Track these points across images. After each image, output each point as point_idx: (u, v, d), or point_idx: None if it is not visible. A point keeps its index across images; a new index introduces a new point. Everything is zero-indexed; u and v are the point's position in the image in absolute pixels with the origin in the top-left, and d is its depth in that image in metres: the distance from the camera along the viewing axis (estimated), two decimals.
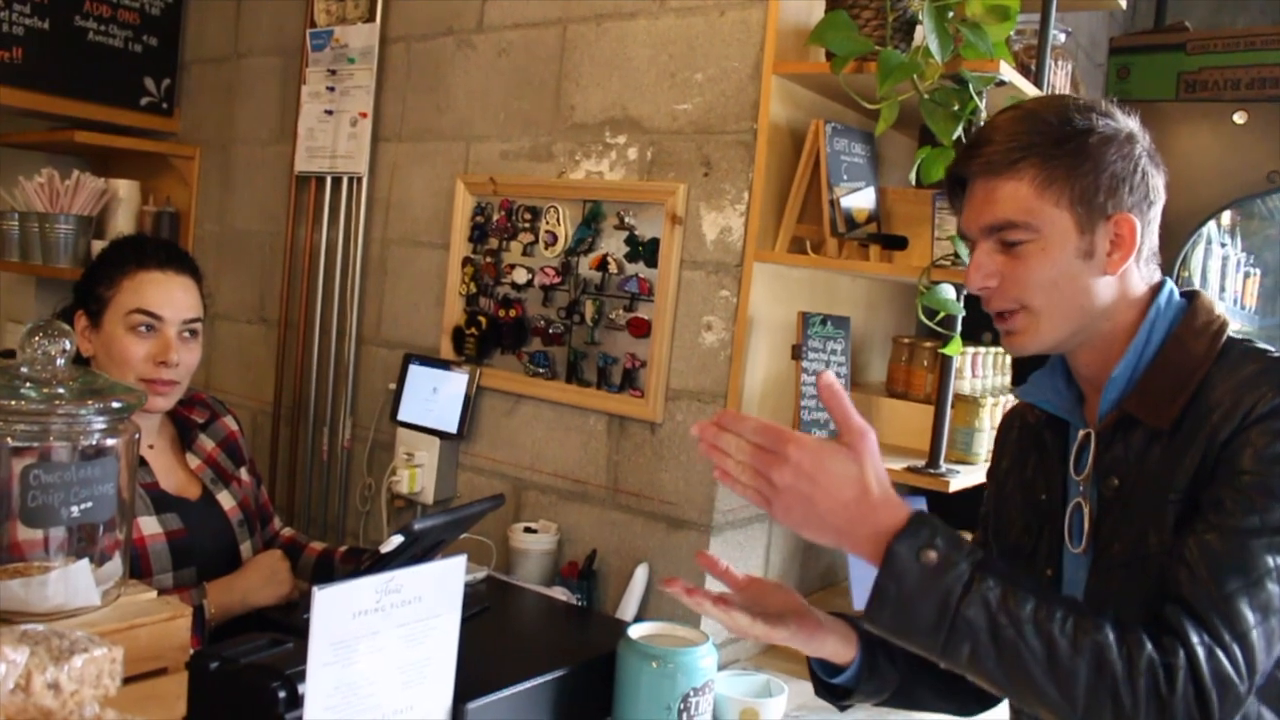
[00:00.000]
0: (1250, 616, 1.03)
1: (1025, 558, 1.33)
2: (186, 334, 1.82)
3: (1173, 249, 2.54)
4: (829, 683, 1.35)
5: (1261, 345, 1.18)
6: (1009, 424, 1.43)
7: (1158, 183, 1.22)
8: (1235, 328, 1.25)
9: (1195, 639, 1.02)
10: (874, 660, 1.32)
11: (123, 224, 3.12)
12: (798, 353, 1.99)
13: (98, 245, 2.96)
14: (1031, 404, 1.35)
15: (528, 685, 1.56)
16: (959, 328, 1.84)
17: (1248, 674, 1.02)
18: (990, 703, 1.47)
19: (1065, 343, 1.23)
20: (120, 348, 1.76)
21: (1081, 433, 1.27)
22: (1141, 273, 1.23)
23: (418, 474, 2.44)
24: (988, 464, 1.49)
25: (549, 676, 1.59)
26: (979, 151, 1.21)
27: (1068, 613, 1.04)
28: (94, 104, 3.06)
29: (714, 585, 1.49)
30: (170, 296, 1.80)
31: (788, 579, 2.32)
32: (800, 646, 1.32)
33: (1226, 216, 3.17)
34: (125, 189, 3.14)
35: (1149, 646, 1.02)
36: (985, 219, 1.21)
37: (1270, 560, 1.05)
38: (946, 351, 1.84)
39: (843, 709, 1.37)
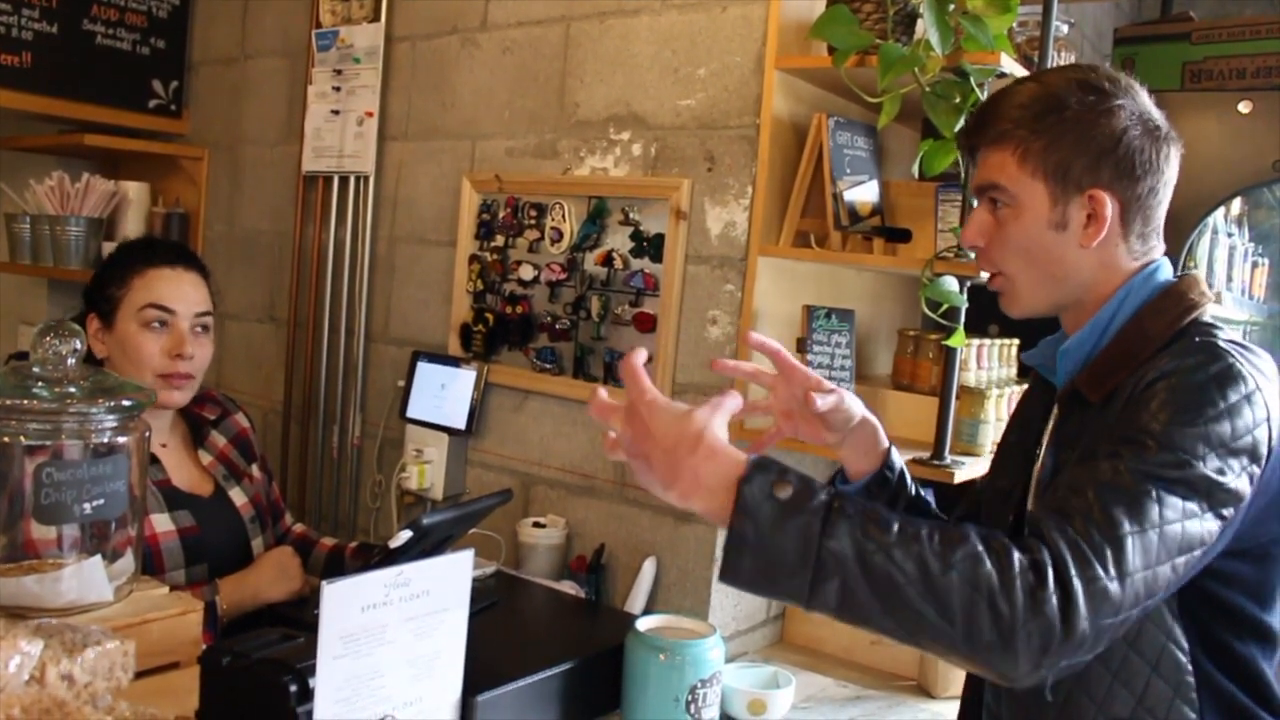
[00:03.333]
0: (1126, 523, 1.00)
1: (1001, 498, 1.35)
2: (199, 329, 1.84)
3: (1178, 239, 2.53)
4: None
5: (1223, 336, 1.16)
6: (1033, 377, 1.45)
7: (1157, 157, 1.21)
8: (1244, 318, 1.24)
9: (1060, 538, 0.99)
10: (875, 491, 1.37)
11: (133, 225, 3.14)
12: (803, 346, 2.00)
13: (108, 247, 2.99)
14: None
15: (536, 678, 1.57)
16: (962, 319, 1.85)
17: (1118, 575, 0.98)
18: None
19: (1045, 310, 1.27)
20: (135, 344, 1.78)
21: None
22: (1131, 249, 1.24)
23: (427, 470, 2.46)
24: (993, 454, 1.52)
25: (557, 669, 1.61)
26: (979, 122, 1.27)
27: (932, 530, 0.99)
28: (103, 107, 3.08)
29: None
30: (181, 291, 1.83)
31: None
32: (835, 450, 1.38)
33: (1234, 206, 3.16)
34: (135, 191, 3.16)
35: (1015, 551, 0.98)
36: (978, 179, 1.28)
37: (1153, 488, 1.03)
38: (950, 343, 1.84)
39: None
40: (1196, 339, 1.15)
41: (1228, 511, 1.06)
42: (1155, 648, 1.15)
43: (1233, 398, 1.08)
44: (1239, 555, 1.13)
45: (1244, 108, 2.60)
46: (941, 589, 0.96)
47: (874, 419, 1.38)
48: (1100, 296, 1.24)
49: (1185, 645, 1.15)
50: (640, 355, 1.08)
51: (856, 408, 1.36)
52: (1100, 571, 0.98)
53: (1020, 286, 1.26)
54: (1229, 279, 3.13)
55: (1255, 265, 3.54)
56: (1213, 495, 1.05)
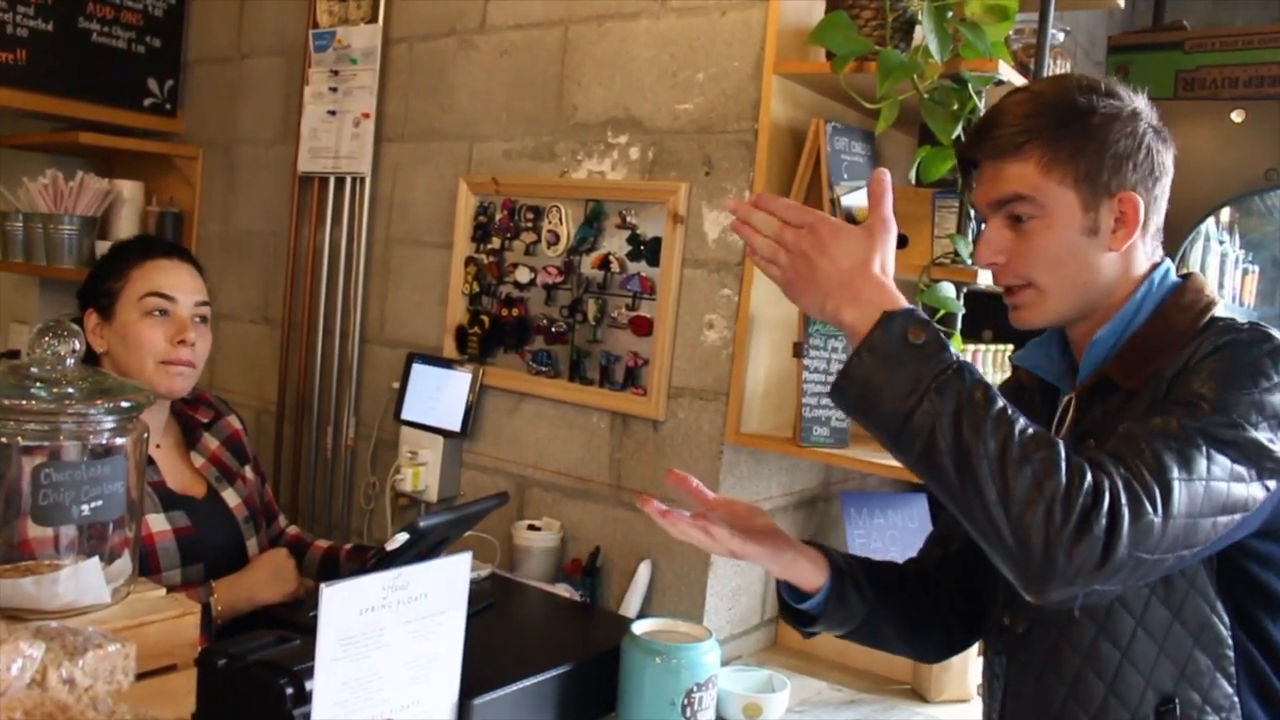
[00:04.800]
0: (1175, 469, 1.03)
1: None
2: (198, 318, 1.85)
3: (1171, 246, 2.55)
4: (795, 608, 1.38)
5: (1242, 320, 1.20)
6: (1008, 385, 1.47)
7: (1164, 159, 1.24)
8: None
9: (1118, 473, 1.03)
10: (843, 590, 1.35)
11: (126, 224, 3.14)
12: (800, 350, 2.00)
13: (101, 246, 2.98)
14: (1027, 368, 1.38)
15: (533, 681, 1.57)
16: (959, 325, 1.85)
17: (1164, 513, 1.02)
18: (951, 651, 1.51)
19: (1070, 317, 1.27)
20: (136, 333, 1.79)
21: (1065, 397, 1.30)
22: (1146, 249, 1.26)
23: (422, 472, 2.45)
24: None
25: (554, 672, 1.61)
26: (987, 134, 1.25)
27: (1028, 424, 1.05)
28: (97, 105, 3.07)
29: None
30: (180, 279, 1.85)
31: None
32: (771, 565, 1.36)
33: (1225, 214, 3.18)
34: (129, 190, 3.15)
35: (1089, 472, 1.02)
36: (993, 194, 1.25)
37: (1204, 444, 1.06)
38: None
39: (807, 635, 1.40)
40: (1245, 325, 1.17)
41: (1272, 483, 1.08)
42: (1198, 619, 1.17)
43: None
44: (1275, 537, 1.15)
45: (1236, 116, 2.62)
46: (1011, 475, 1.01)
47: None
48: (1122, 295, 1.25)
49: (1226, 619, 1.18)
50: (885, 174, 1.17)
51: (765, 519, 1.38)
52: (1148, 507, 1.02)
53: (1050, 296, 1.25)
54: (1220, 285, 3.15)
55: (1246, 272, 3.56)
56: (1261, 462, 1.07)
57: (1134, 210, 1.21)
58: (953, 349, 1.08)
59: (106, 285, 1.82)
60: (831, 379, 2.02)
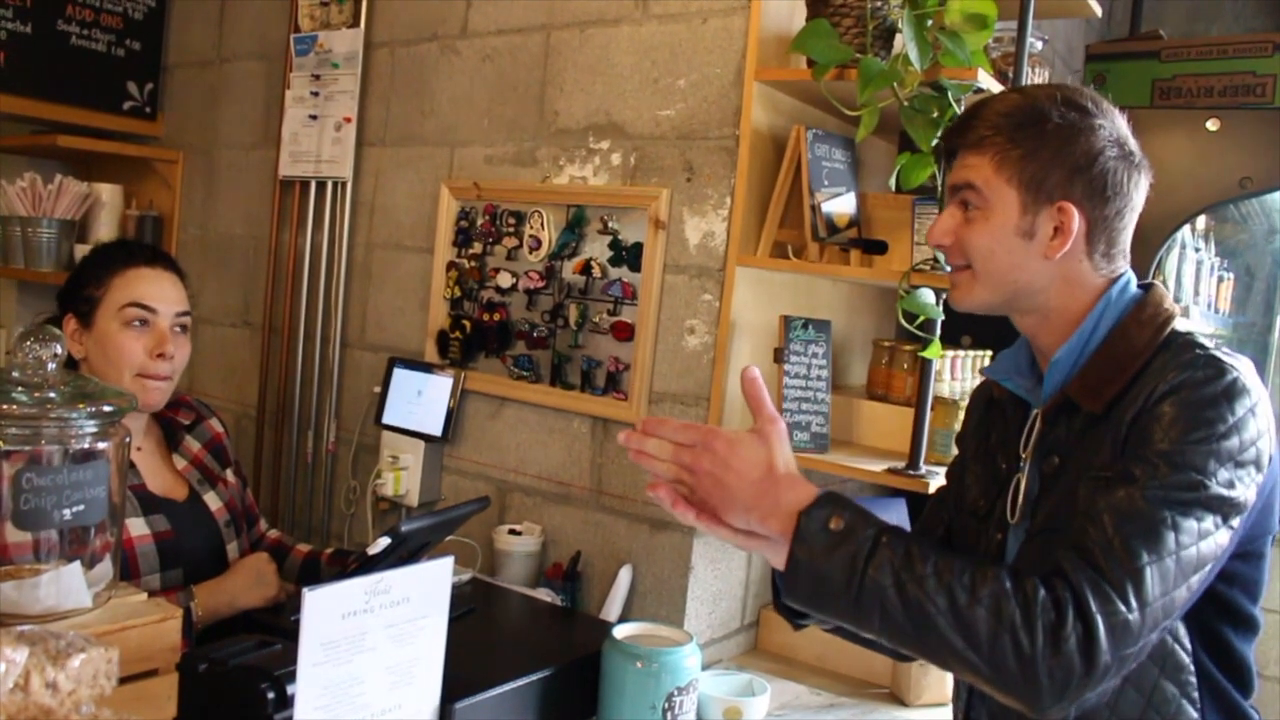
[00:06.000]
0: (1143, 555, 1.06)
1: (980, 520, 1.38)
2: (178, 329, 1.84)
3: (1148, 254, 2.57)
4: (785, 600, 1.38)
5: (1202, 339, 1.22)
6: (978, 395, 1.51)
7: (1123, 180, 1.25)
8: (1210, 331, 1.29)
9: (1081, 575, 1.05)
10: None
11: (105, 228, 3.12)
12: (780, 356, 2.02)
13: (80, 249, 2.97)
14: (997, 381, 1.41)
15: (514, 685, 1.57)
16: (939, 331, 1.87)
17: (1138, 605, 1.04)
18: None
19: (996, 308, 1.31)
20: (116, 343, 1.77)
21: (1034, 411, 1.32)
22: (1098, 266, 1.27)
23: (403, 476, 2.45)
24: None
25: (535, 677, 1.61)
26: (964, 126, 1.31)
27: (965, 566, 1.08)
28: (77, 108, 3.06)
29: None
30: (161, 290, 1.83)
31: (766, 582, 2.34)
32: (763, 552, 1.35)
33: (1201, 221, 3.21)
34: (108, 193, 3.14)
35: (1041, 589, 1.05)
36: (953, 180, 1.31)
37: (1169, 514, 1.08)
38: (926, 355, 1.86)
39: (797, 627, 1.42)
40: (1197, 350, 1.19)
41: (1236, 522, 1.12)
42: (1162, 650, 1.20)
43: (1240, 411, 1.13)
44: (1238, 557, 1.19)
45: (1212, 125, 2.64)
46: (968, 620, 1.05)
47: None
48: (1073, 309, 1.27)
49: (1188, 645, 1.21)
50: (756, 371, 1.20)
51: None
52: (1120, 605, 1.04)
53: (979, 282, 1.29)
54: (1196, 293, 3.18)
55: (1221, 280, 3.59)
56: (1224, 511, 1.11)
57: (1070, 221, 1.23)
58: (868, 519, 1.13)
59: (87, 291, 1.81)
60: (811, 384, 2.04)
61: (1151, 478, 1.10)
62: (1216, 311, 3.57)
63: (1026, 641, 1.03)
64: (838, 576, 1.10)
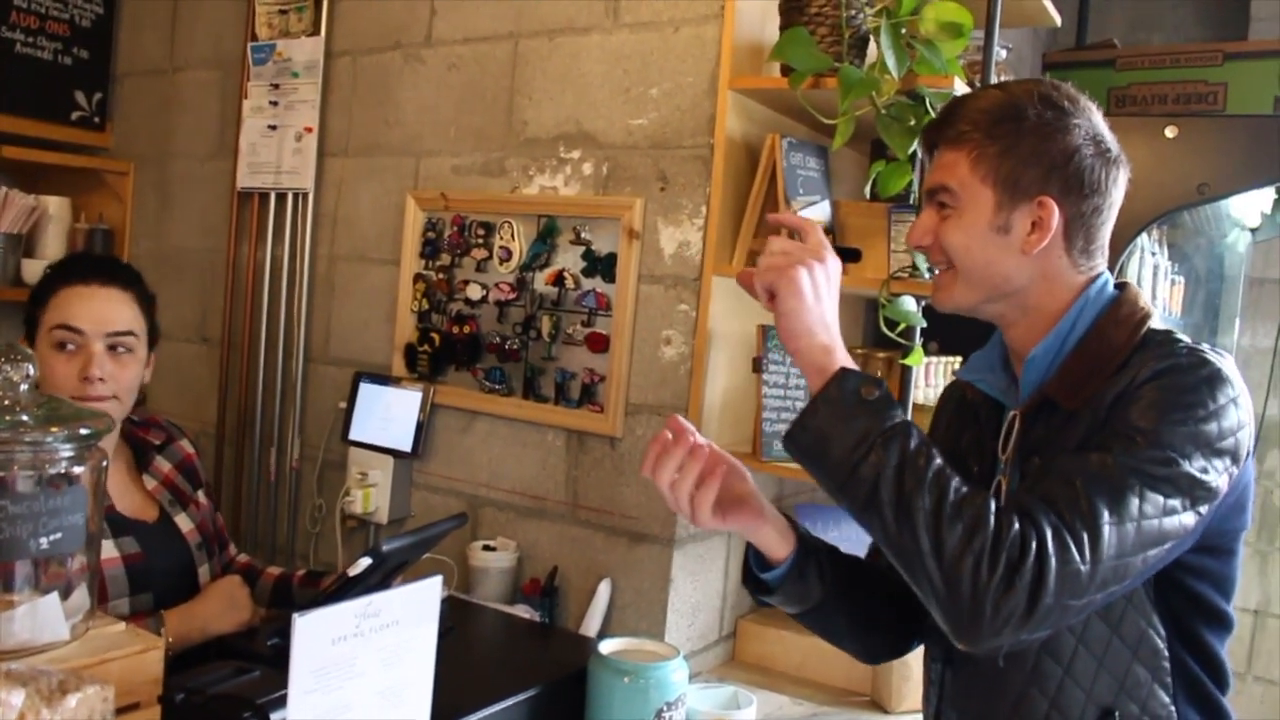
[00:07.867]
0: (1105, 514, 1.07)
1: None
2: (119, 349, 1.75)
3: (1113, 259, 2.60)
4: (756, 575, 1.38)
5: (1180, 335, 1.23)
6: (948, 397, 1.50)
7: (1101, 177, 1.25)
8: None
9: (1046, 521, 1.07)
10: (804, 567, 1.35)
11: (53, 242, 3.02)
12: (759, 365, 2.01)
13: (28, 264, 2.88)
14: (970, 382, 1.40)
15: (502, 705, 1.55)
16: (919, 339, 1.87)
17: (1091, 560, 1.05)
18: (896, 654, 1.52)
19: (976, 308, 1.31)
20: (48, 368, 1.69)
21: (1010, 413, 1.32)
22: (1077, 263, 1.27)
23: (372, 494, 2.40)
24: None
25: (521, 696, 1.58)
26: (940, 122, 1.31)
27: (962, 483, 1.10)
28: (22, 118, 2.96)
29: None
30: (91, 309, 1.73)
31: (743, 593, 2.33)
32: (741, 532, 1.36)
33: (1153, 227, 3.26)
34: (56, 206, 3.04)
35: (1016, 527, 1.06)
36: (929, 181, 1.31)
37: (1137, 483, 1.09)
38: (908, 362, 1.86)
39: (761, 604, 1.42)
40: (1179, 343, 1.20)
41: (1204, 509, 1.12)
42: (1136, 633, 1.21)
43: (1221, 400, 1.14)
44: (1208, 551, 1.19)
45: (1170, 132, 2.68)
46: (944, 529, 1.06)
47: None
48: (1051, 307, 1.27)
49: (1163, 632, 1.21)
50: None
51: (745, 484, 1.37)
52: (1075, 555, 1.06)
53: (960, 282, 1.29)
54: (1154, 297, 3.23)
55: (1174, 283, 3.66)
56: (1194, 493, 1.11)
57: (1049, 216, 1.23)
58: (900, 410, 1.14)
59: (32, 311, 1.74)
60: (790, 392, 2.03)
61: (1125, 450, 1.11)
62: (1169, 314, 3.63)
63: (986, 571, 1.04)
64: (852, 434, 1.11)
